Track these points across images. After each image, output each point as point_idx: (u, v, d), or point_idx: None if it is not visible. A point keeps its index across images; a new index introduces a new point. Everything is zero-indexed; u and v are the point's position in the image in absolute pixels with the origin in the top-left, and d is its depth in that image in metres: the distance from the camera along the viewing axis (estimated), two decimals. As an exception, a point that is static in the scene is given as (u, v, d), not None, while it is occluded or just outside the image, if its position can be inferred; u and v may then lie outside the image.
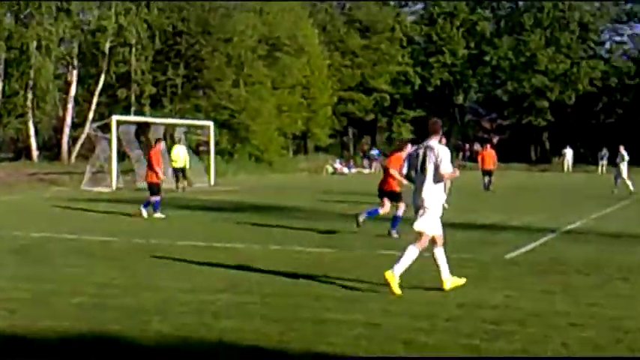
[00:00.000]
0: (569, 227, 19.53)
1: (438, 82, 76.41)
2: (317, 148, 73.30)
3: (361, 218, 17.96)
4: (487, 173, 34.80)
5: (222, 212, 24.14)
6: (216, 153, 45.40)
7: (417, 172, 11.04)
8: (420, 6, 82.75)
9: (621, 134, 75.02)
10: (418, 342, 8.18)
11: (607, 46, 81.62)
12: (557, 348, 8.02)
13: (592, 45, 78.81)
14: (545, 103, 74.47)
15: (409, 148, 16.40)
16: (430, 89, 76.43)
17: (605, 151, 63.39)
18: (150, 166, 22.69)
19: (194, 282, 11.60)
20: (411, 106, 77.20)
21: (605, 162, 62.82)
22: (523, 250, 15.10)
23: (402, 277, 10.62)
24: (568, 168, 66.30)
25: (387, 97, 74.42)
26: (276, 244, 15.96)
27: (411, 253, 10.74)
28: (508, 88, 76.01)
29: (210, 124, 44.18)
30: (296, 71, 61.56)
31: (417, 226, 10.89)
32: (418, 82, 75.51)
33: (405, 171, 11.41)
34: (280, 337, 8.36)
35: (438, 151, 10.84)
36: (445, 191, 11.43)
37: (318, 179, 51.27)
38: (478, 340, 8.23)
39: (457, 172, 11.19)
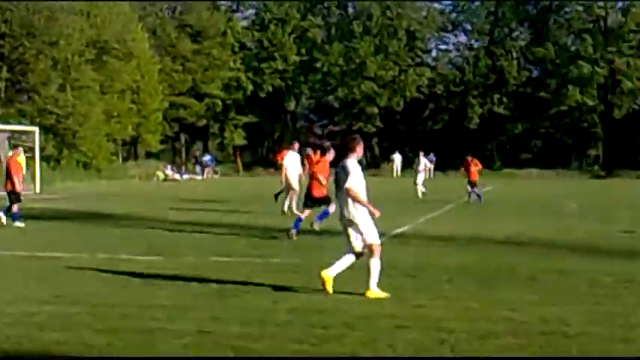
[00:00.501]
0: (398, 231, 19.89)
1: (270, 88, 76.66)
2: (148, 154, 72.29)
3: (316, 226, 18.92)
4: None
5: (46, 221, 23.42)
6: (42, 159, 44.06)
7: (338, 189, 11.35)
8: (251, 11, 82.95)
9: (447, 139, 78.04)
10: (248, 348, 8.14)
11: (433, 54, 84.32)
12: (384, 350, 8.13)
13: (419, 53, 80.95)
14: (375, 110, 75.99)
15: (332, 153, 17.09)
16: (262, 95, 76.58)
17: (432, 156, 65.31)
18: (8, 175, 22.04)
19: (16, 293, 11.16)
20: (243, 111, 77.16)
21: (432, 167, 64.74)
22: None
23: (236, 282, 10.54)
24: (397, 173, 67.80)
25: (219, 102, 74.13)
26: (104, 253, 15.59)
27: (375, 265, 11.02)
28: (339, 95, 77.05)
29: (36, 129, 42.84)
30: (125, 76, 60.55)
31: (359, 247, 11.16)
32: (250, 87, 75.52)
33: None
34: (108, 348, 8.16)
35: (349, 168, 11.13)
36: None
37: (149, 186, 50.55)
38: (307, 345, 8.26)
39: (374, 209, 11.30)
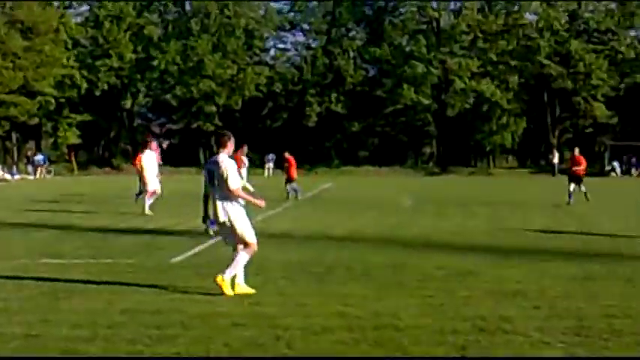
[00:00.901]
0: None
1: (106, 86, 74.93)
2: (-23, 154, 69.61)
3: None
4: None
5: None
6: None
7: (210, 186, 11.08)
8: (85, 8, 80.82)
9: (286, 138, 78.55)
10: (78, 351, 7.93)
11: (272, 53, 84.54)
12: (219, 348, 8.07)
13: (257, 52, 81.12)
14: (213, 108, 75.56)
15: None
16: (97, 93, 74.75)
17: (271, 155, 65.68)
18: None
19: None
20: (77, 110, 75.17)
21: (271, 165, 65.16)
22: (189, 253, 15.12)
23: (68, 284, 10.24)
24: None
25: (52, 100, 71.89)
26: None
27: (242, 259, 10.89)
28: (177, 93, 76.26)
29: None
30: (-48, 72, 58.00)
31: (230, 241, 11.05)
32: (85, 85, 73.55)
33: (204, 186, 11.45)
34: None
35: (224, 166, 10.85)
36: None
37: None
38: (141, 346, 8.14)
39: (257, 201, 11.27)
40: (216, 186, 10.92)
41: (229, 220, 10.86)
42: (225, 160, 10.97)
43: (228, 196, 10.85)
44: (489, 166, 77.66)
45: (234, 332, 8.70)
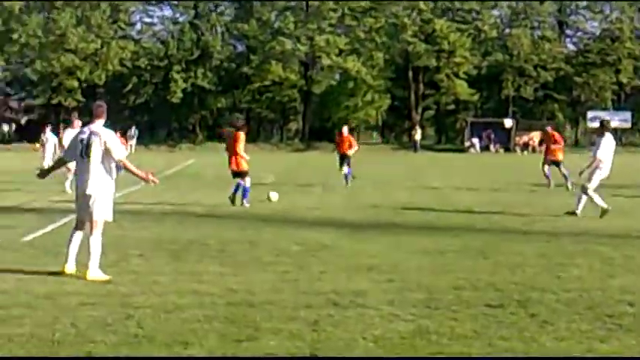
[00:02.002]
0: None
1: (-40, 59, 72.40)
2: None
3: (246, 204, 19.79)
4: None
5: None
6: None
7: (79, 157, 10.48)
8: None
9: (150, 113, 77.68)
10: None
11: (138, 27, 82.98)
12: (65, 329, 7.85)
13: (123, 25, 79.50)
14: (75, 83, 73.76)
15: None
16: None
17: (134, 131, 64.68)
18: None
19: None
20: None
21: (134, 142, 64.07)
22: (41, 232, 14.67)
23: None
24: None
25: None
26: None
27: (96, 243, 10.36)
28: (37, 67, 74.01)
29: None
30: None
31: (97, 216, 10.47)
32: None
33: (64, 155, 10.87)
34: None
35: (106, 136, 10.42)
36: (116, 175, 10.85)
37: None
38: (-17, 328, 7.83)
39: (148, 175, 11.00)
40: (90, 156, 10.42)
41: (96, 194, 10.43)
42: (105, 130, 10.58)
43: (104, 167, 10.47)
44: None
45: (82, 311, 8.50)
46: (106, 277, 10.25)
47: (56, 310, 8.60)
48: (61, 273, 10.45)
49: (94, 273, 10.29)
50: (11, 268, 10.91)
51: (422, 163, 47.91)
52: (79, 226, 10.71)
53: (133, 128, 65.07)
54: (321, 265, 11.40)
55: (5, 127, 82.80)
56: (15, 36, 73.40)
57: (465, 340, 7.59)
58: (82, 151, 10.50)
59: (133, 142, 64.09)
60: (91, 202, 10.44)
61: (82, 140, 10.56)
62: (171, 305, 8.82)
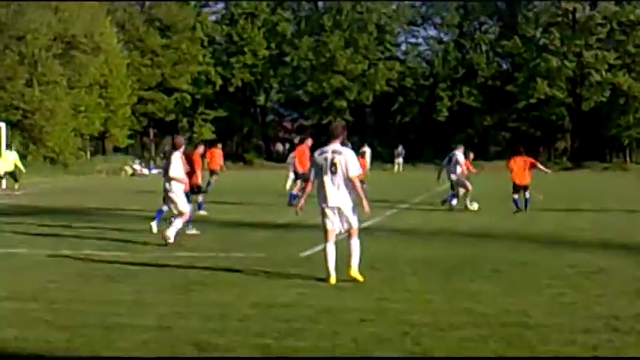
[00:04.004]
0: (365, 224, 19.84)
1: (240, 83, 76.35)
2: (116, 149, 71.83)
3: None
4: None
5: (8, 217, 23.14)
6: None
7: (324, 174, 11.42)
8: (220, 5, 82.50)
9: (416, 132, 78.27)
10: (209, 343, 8.07)
11: (403, 47, 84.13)
12: (346, 344, 8.09)
13: (389, 46, 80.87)
14: (344, 103, 75.80)
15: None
16: (231, 89, 76.31)
17: (400, 149, 65.57)
18: None
19: (-29, 290, 11.01)
20: (212, 106, 76.79)
21: (401, 160, 65.04)
22: (318, 248, 15.17)
23: (199, 277, 10.45)
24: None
25: (188, 97, 73.82)
26: (67, 249, 15.40)
27: (357, 246, 11.58)
28: (308, 89, 76.80)
29: (2, 125, 42.41)
30: (93, 70, 60.12)
31: (355, 224, 11.59)
32: (219, 82, 75.18)
33: (312, 177, 11.79)
34: (67, 345, 8.07)
35: (346, 154, 11.46)
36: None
37: (116, 181, 50.21)
38: (269, 339, 8.21)
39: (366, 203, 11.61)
40: (334, 173, 11.35)
41: (346, 205, 11.38)
42: (344, 149, 11.56)
43: (346, 182, 11.35)
44: (625, 160, 75.28)
45: (361, 327, 8.71)
46: (361, 278, 11.35)
47: (336, 324, 8.86)
48: (333, 286, 11.17)
49: (355, 271, 11.41)
50: (291, 282, 11.43)
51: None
52: (329, 237, 11.49)
53: (400, 147, 65.87)
54: (597, 288, 11.05)
55: (280, 147, 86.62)
56: (287, 59, 76.67)
57: None
58: (327, 168, 11.36)
59: (400, 160, 64.91)
60: (347, 213, 11.38)
61: (325, 159, 11.42)
62: (446, 324, 8.86)
